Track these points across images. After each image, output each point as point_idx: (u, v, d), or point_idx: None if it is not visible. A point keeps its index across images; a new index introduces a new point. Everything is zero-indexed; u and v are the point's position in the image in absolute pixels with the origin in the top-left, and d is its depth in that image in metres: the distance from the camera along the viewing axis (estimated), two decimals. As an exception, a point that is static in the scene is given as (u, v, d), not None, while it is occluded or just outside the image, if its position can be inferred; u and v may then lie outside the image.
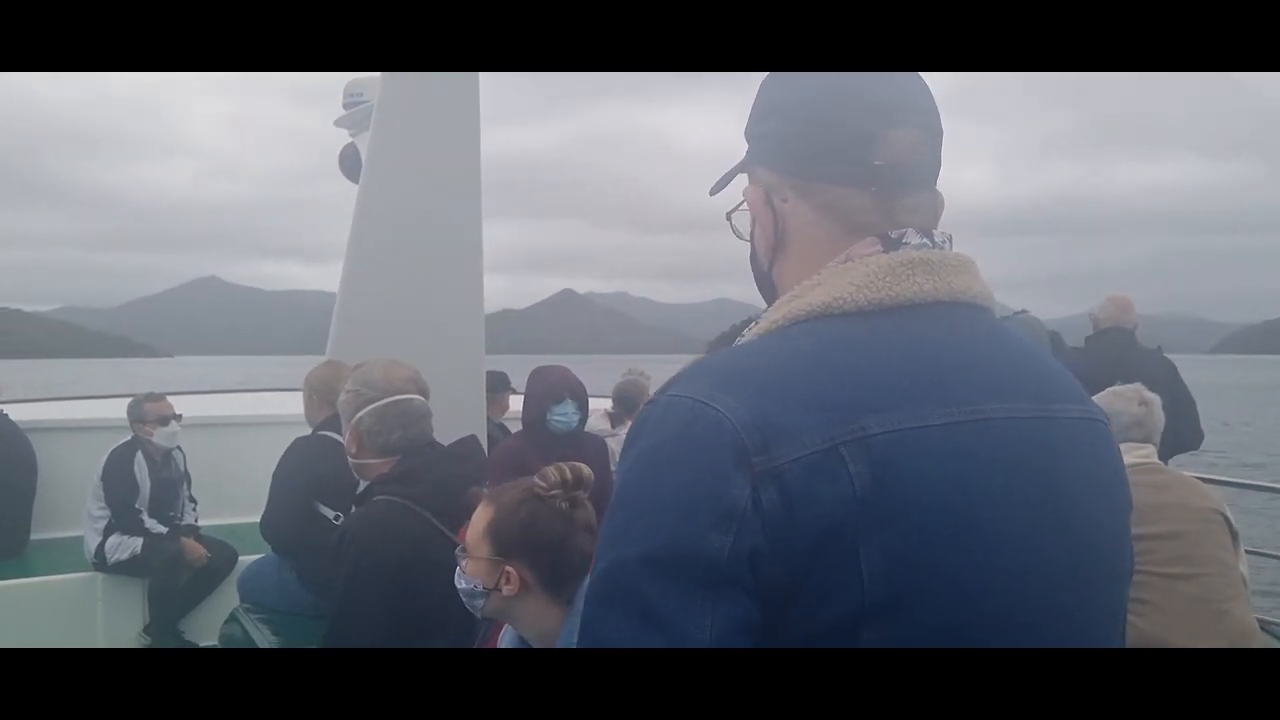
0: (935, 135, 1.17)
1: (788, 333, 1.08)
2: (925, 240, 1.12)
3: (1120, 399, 3.62)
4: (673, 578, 0.94)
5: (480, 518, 2.32)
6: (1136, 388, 3.70)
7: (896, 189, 1.13)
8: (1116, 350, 5.67)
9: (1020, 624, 1.02)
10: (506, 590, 2.26)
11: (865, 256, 1.10)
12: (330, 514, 4.02)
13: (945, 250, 1.13)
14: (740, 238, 1.28)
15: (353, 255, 4.81)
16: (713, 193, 1.30)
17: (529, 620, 2.29)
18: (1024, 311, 6.21)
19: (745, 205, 1.24)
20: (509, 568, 2.26)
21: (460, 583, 2.30)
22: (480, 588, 2.27)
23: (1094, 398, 3.69)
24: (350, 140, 5.56)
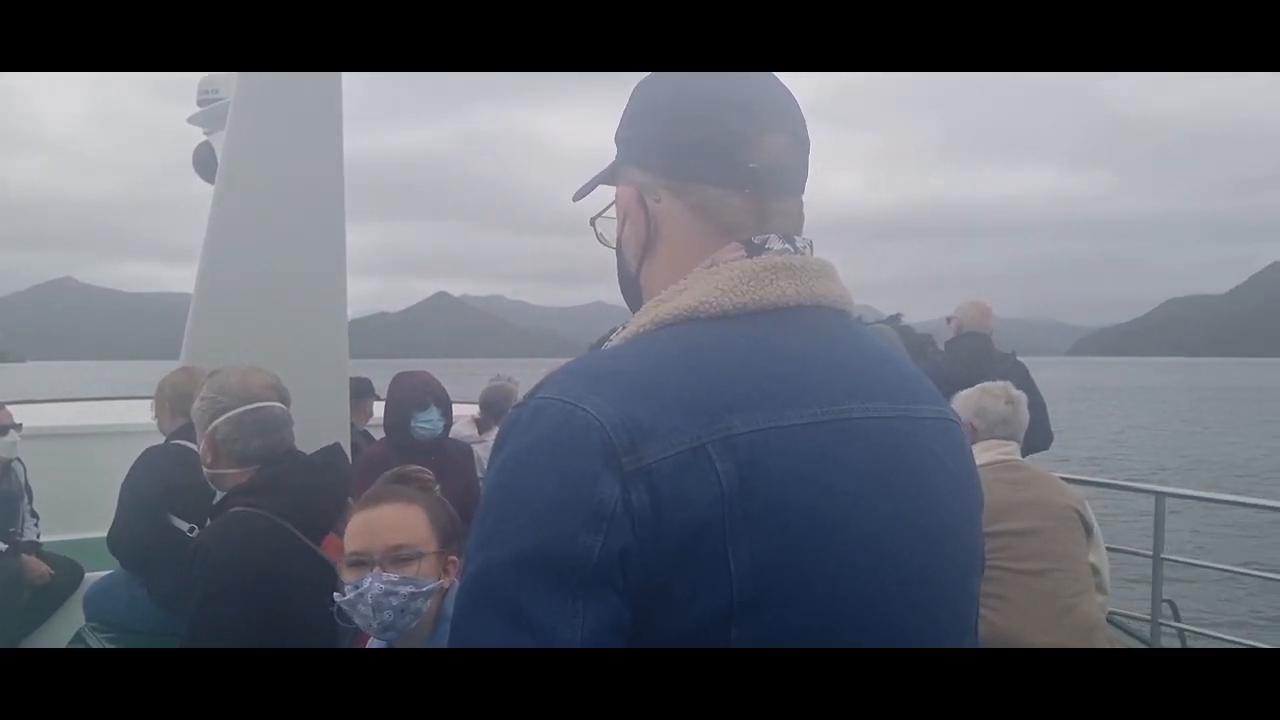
0: (804, 143, 1.20)
1: (655, 336, 1.09)
2: (787, 246, 1.15)
3: (989, 396, 3.72)
4: (543, 579, 0.93)
5: (406, 516, 2.25)
6: (1005, 386, 3.80)
7: (769, 192, 1.15)
8: (974, 353, 5.87)
9: (880, 618, 1.04)
10: (446, 583, 2.22)
11: (730, 262, 1.12)
12: (184, 526, 3.87)
13: (807, 256, 1.16)
14: (604, 243, 1.28)
15: (208, 257, 4.64)
16: (576, 198, 1.30)
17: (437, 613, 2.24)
18: (898, 315, 6.39)
19: (613, 209, 1.24)
20: (452, 558, 2.24)
21: (405, 588, 2.18)
22: (429, 587, 2.19)
23: (963, 395, 3.78)
24: (205, 139, 5.36)
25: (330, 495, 2.96)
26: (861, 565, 1.03)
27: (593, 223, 1.30)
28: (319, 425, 3.85)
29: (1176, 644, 5.49)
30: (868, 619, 1.04)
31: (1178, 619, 5.46)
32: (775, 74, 1.22)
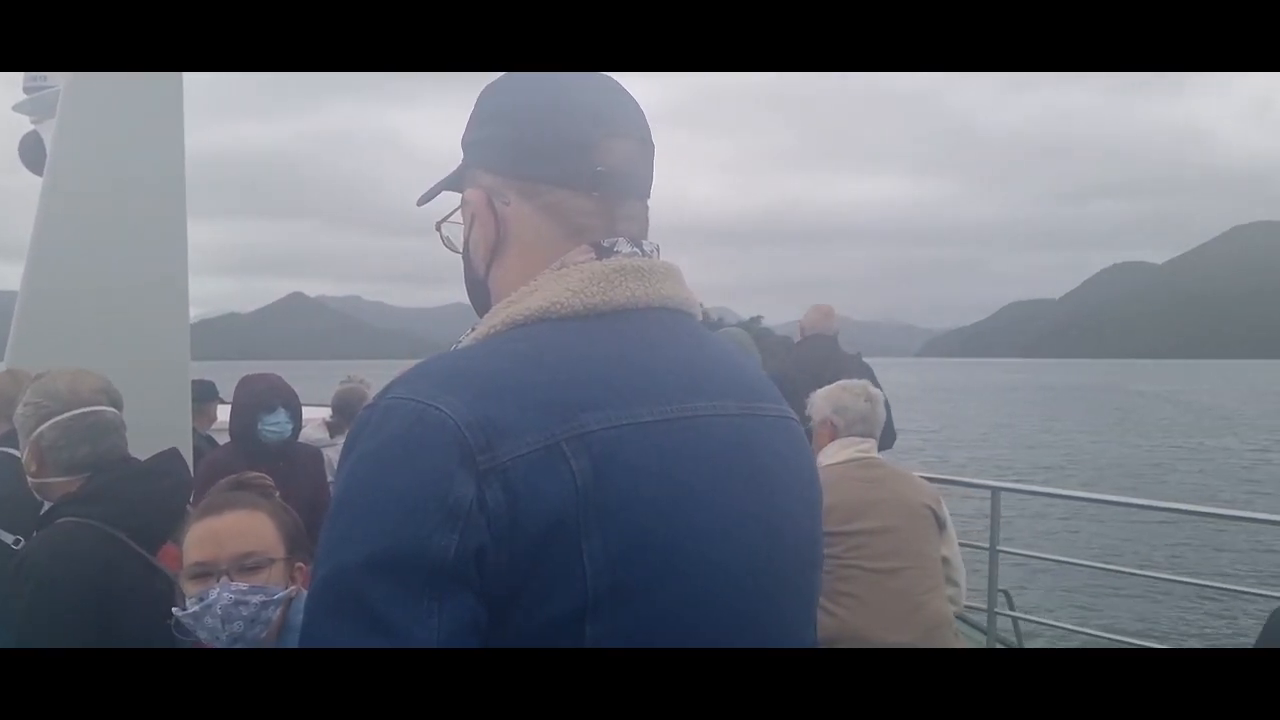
0: (649, 147, 1.22)
1: (507, 336, 1.10)
2: (636, 249, 1.17)
3: (849, 394, 3.73)
4: (398, 580, 0.92)
5: (253, 523, 2.16)
6: (864, 384, 3.83)
7: (617, 196, 1.17)
8: (821, 355, 6.02)
9: (730, 611, 1.06)
10: (294, 592, 2.13)
11: (580, 264, 1.13)
12: (9, 539, 3.66)
13: (654, 259, 1.18)
14: (451, 248, 1.28)
15: (36, 253, 4.40)
16: (421, 202, 1.29)
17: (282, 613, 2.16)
18: (759, 317, 6.52)
19: (459, 214, 1.24)
20: (299, 564, 2.16)
21: (255, 597, 2.09)
22: (280, 595, 2.10)
23: (823, 392, 3.80)
24: (33, 128, 5.08)
25: (167, 503, 2.84)
26: (711, 559, 1.05)
27: (439, 228, 1.30)
28: (158, 430, 3.70)
29: (1011, 632, 5.76)
30: (718, 612, 1.05)
31: (1012, 608, 5.73)
32: (617, 79, 1.23)
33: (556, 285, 1.12)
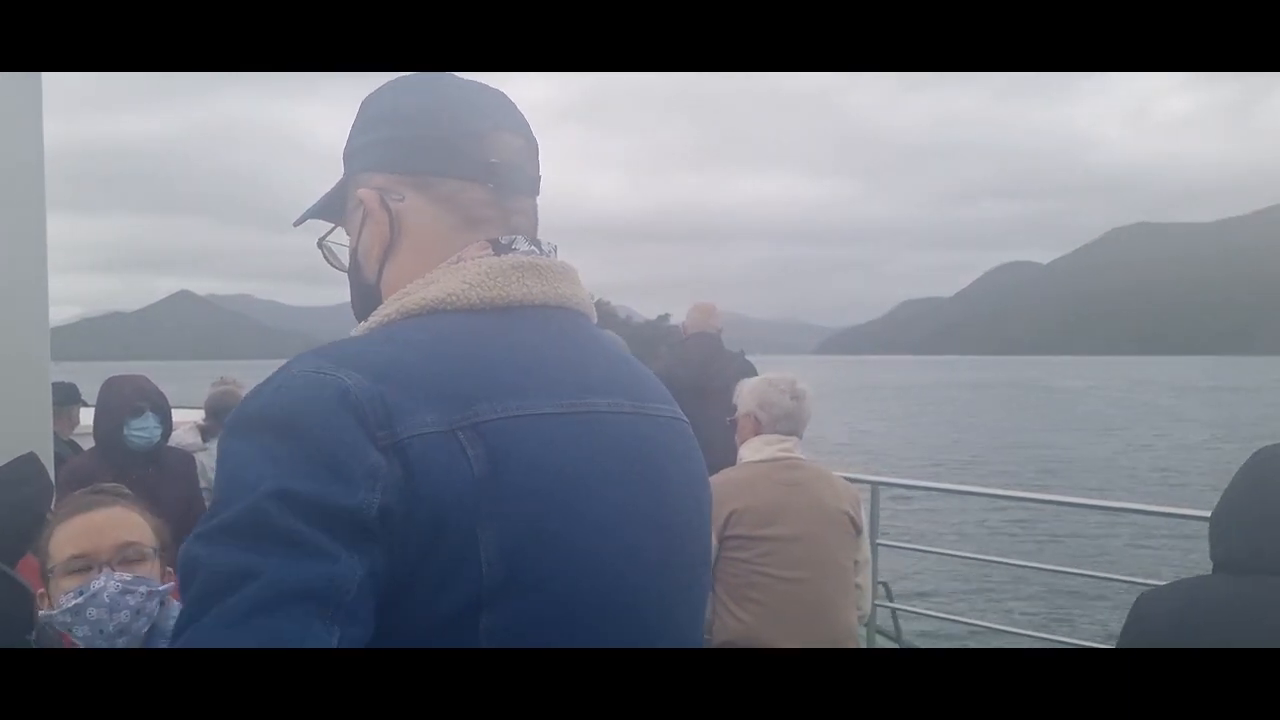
0: (534, 147, 1.23)
1: (401, 326, 1.09)
2: (534, 248, 1.17)
3: (774, 390, 3.56)
4: (318, 518, 0.90)
5: (129, 515, 2.12)
6: (791, 380, 3.65)
7: (509, 188, 1.19)
8: (704, 353, 6.05)
9: (620, 606, 1.07)
10: (172, 588, 2.06)
11: (477, 258, 1.13)
12: None
13: (552, 258, 1.19)
14: (335, 264, 1.29)
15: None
16: (298, 222, 1.29)
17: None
18: (666, 316, 6.52)
19: (339, 231, 1.25)
20: (169, 568, 2.09)
21: (140, 587, 2.01)
22: (164, 588, 2.04)
23: (749, 385, 3.67)
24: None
25: (24, 512, 2.72)
26: (603, 554, 1.05)
27: (321, 245, 1.29)
28: (17, 436, 3.56)
29: (889, 621, 5.90)
30: (609, 607, 1.05)
31: (890, 599, 5.88)
32: (509, 77, 1.24)
33: (452, 278, 1.12)
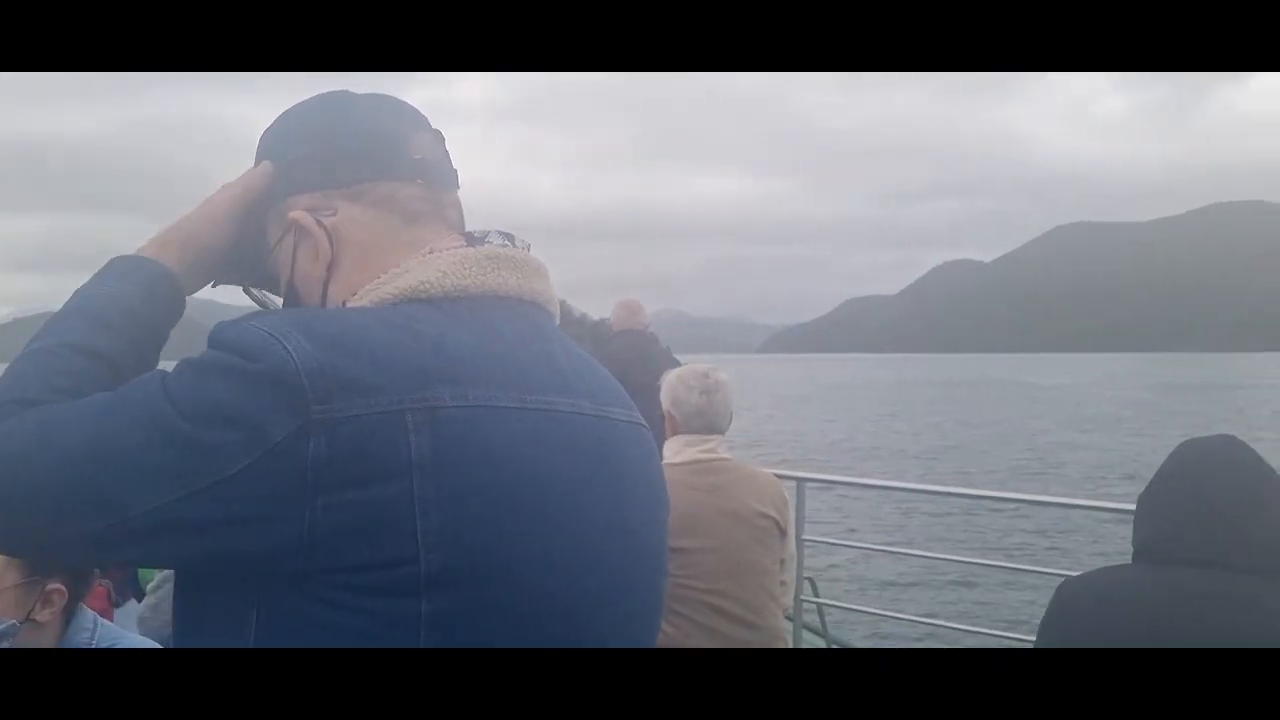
0: (444, 141, 1.23)
1: (375, 308, 1.08)
2: (507, 241, 1.16)
3: (683, 386, 3.39)
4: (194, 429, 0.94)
5: None
6: (702, 375, 3.44)
7: (437, 183, 1.19)
8: (630, 351, 6.05)
9: (574, 608, 1.05)
10: (45, 616, 1.96)
11: (452, 249, 1.12)
12: None
13: (526, 253, 1.17)
14: (267, 304, 1.27)
15: None
16: (215, 285, 1.30)
17: (52, 641, 1.99)
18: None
19: (273, 261, 1.22)
20: (56, 586, 1.97)
21: None
22: (4, 626, 1.91)
23: (665, 382, 3.55)
24: None
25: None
26: (558, 554, 1.03)
27: (248, 291, 1.29)
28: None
29: (815, 617, 5.93)
30: (565, 608, 1.04)
31: (816, 595, 5.91)
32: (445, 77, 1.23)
33: (426, 268, 1.10)
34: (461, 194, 1.25)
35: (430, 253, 1.13)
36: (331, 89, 1.26)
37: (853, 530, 14.69)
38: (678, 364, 6.11)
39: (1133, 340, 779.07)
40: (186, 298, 1.23)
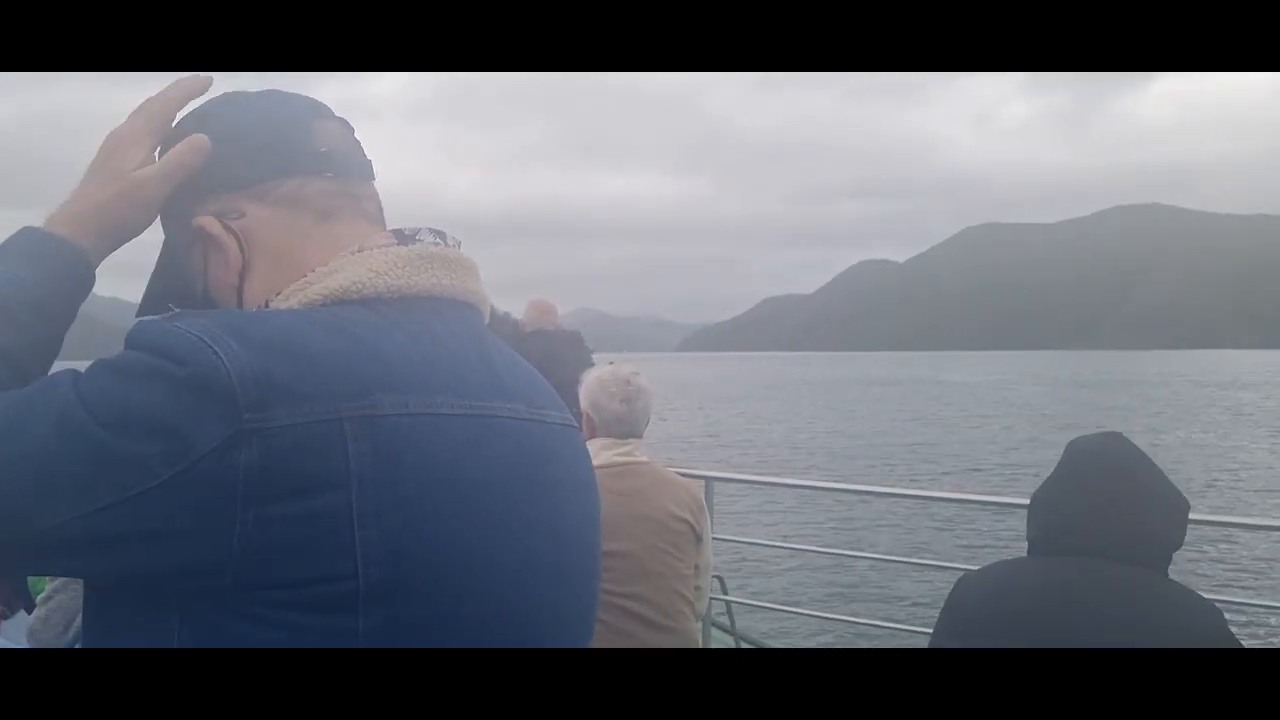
0: (353, 132, 1.19)
1: (305, 310, 1.04)
2: (439, 240, 1.12)
3: (604, 392, 3.41)
4: (94, 459, 0.89)
5: None
6: (624, 378, 3.46)
7: (349, 174, 1.15)
8: (543, 351, 6.06)
9: (514, 615, 1.04)
10: None
11: (383, 247, 1.08)
12: None
13: (458, 251, 1.14)
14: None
15: None
16: (139, 314, 1.20)
17: None
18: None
19: (185, 270, 1.17)
20: None
21: None
22: None
23: (584, 385, 3.52)
24: None
25: None
26: (500, 563, 1.02)
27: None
28: None
29: (724, 614, 6.01)
30: (505, 616, 1.03)
31: (725, 592, 5.98)
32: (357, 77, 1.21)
33: (358, 266, 1.06)
34: (376, 190, 1.20)
35: (360, 250, 1.09)
36: (231, 89, 1.21)
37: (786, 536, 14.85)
38: (592, 363, 6.16)
39: (1036, 338, 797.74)
40: (94, 297, 1.18)
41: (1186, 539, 2.10)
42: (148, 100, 1.20)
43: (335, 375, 0.95)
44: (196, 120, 1.18)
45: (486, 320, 1.18)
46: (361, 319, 1.02)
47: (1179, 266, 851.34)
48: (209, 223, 1.13)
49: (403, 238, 1.11)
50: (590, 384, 3.46)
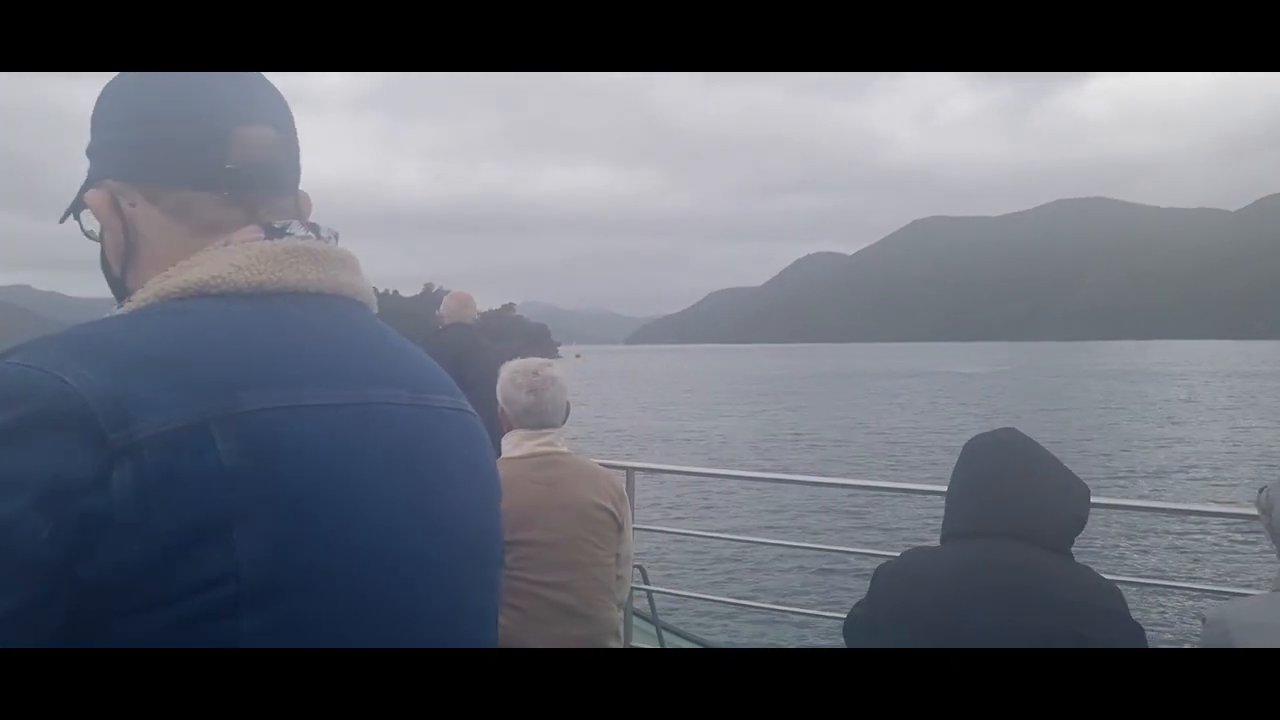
0: (291, 137, 1.16)
1: (160, 308, 1.02)
2: (310, 233, 1.10)
3: (513, 384, 3.37)
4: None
5: None
6: (531, 369, 3.42)
7: (253, 190, 1.11)
8: (460, 344, 6.01)
9: (401, 607, 1.02)
10: None
11: (248, 241, 1.06)
12: None
13: (331, 244, 1.12)
14: (107, 263, 1.17)
15: None
16: (62, 220, 1.18)
17: None
18: (511, 305, 6.38)
19: (88, 212, 1.14)
20: None
21: None
22: None
23: (500, 372, 3.46)
24: None
25: None
26: (382, 553, 1.00)
27: (89, 235, 1.17)
28: None
29: (646, 605, 6.02)
30: (392, 610, 1.01)
31: (646, 582, 5.99)
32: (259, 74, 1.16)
33: (219, 260, 1.04)
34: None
35: (225, 244, 1.07)
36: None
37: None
38: (511, 357, 6.13)
39: (982, 329, 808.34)
40: (32, 291, 1.12)
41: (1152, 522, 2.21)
42: None
43: (194, 378, 0.93)
44: (123, 91, 1.14)
45: (373, 310, 1.17)
46: (219, 319, 1.00)
47: (1122, 258, 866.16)
48: (101, 199, 1.12)
49: (271, 231, 1.09)
50: (501, 376, 3.43)
